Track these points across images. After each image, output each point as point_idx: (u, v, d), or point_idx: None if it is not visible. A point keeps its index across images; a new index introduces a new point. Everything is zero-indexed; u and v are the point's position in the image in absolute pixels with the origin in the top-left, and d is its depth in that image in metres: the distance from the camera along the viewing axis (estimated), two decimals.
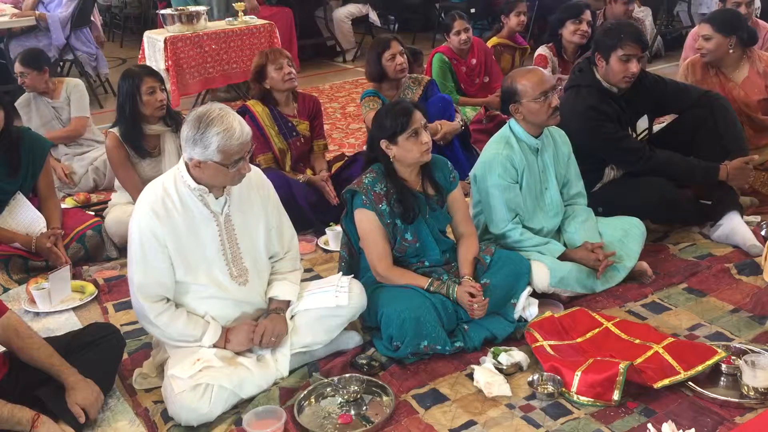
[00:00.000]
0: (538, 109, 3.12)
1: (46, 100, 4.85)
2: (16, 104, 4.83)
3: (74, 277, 3.55)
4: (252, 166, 2.75)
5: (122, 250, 3.62)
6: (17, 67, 4.74)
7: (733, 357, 2.63)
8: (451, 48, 5.27)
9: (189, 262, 2.62)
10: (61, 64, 7.24)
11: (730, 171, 3.53)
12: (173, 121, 3.88)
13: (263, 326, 2.69)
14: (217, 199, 2.64)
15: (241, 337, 2.68)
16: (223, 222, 2.66)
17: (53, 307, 3.33)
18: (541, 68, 3.22)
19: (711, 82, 4.04)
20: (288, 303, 2.80)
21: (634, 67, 3.47)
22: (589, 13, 4.85)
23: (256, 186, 2.76)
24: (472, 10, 7.90)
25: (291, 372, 2.73)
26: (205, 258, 2.65)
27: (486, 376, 2.64)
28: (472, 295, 2.84)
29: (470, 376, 2.70)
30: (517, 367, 2.72)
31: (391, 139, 2.88)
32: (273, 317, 2.74)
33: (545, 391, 2.57)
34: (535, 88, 3.10)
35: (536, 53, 5.02)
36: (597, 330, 2.87)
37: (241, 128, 2.50)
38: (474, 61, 5.35)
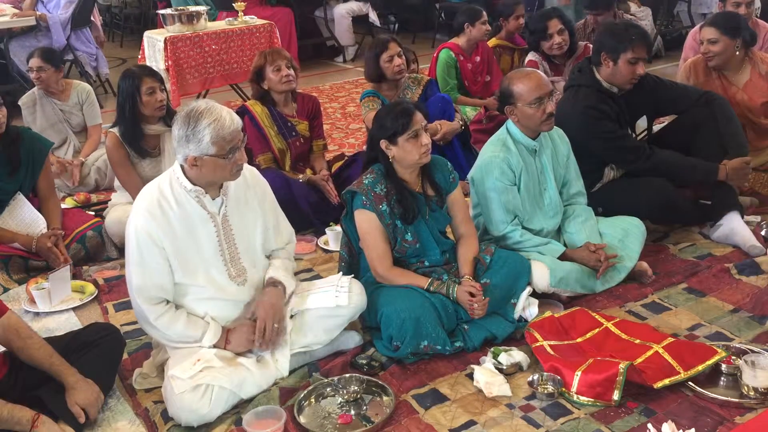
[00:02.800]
0: (532, 114, 3.11)
1: (53, 101, 4.86)
2: (20, 102, 4.87)
3: (74, 277, 3.55)
4: (248, 165, 2.75)
5: (122, 250, 3.58)
6: (35, 62, 4.73)
7: (733, 357, 2.63)
8: (459, 44, 5.26)
9: (187, 264, 2.62)
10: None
11: (729, 171, 3.53)
12: (173, 121, 3.88)
13: (262, 320, 2.66)
14: (213, 199, 2.64)
15: (241, 339, 2.68)
16: (220, 222, 2.66)
17: (53, 307, 3.33)
18: (540, 72, 3.21)
19: (713, 86, 4.03)
20: (283, 285, 2.77)
21: (641, 69, 3.47)
22: (556, 22, 4.78)
23: (253, 186, 2.76)
24: None
25: (291, 372, 2.73)
26: (202, 259, 2.65)
27: (486, 376, 2.64)
28: (472, 295, 2.84)
29: (470, 376, 2.70)
30: (517, 367, 2.72)
31: (391, 139, 2.88)
32: (268, 291, 2.72)
33: (545, 391, 2.57)
34: (530, 93, 3.09)
35: (527, 59, 5.04)
36: (597, 330, 2.87)
37: (231, 117, 2.51)
38: (478, 59, 5.35)
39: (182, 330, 2.61)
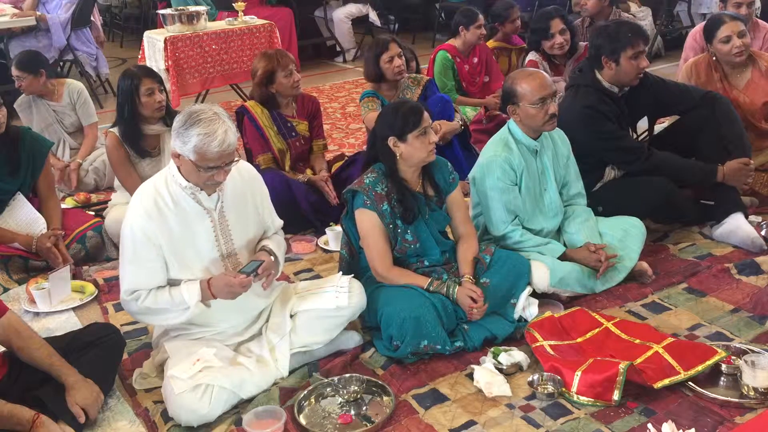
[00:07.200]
0: (535, 114, 3.12)
1: (46, 103, 4.81)
2: (15, 105, 4.80)
3: (74, 277, 3.55)
4: (241, 161, 2.74)
5: None
6: (13, 71, 4.69)
7: (733, 357, 2.63)
8: (456, 46, 5.27)
9: (183, 260, 2.63)
10: (61, 64, 7.23)
11: (727, 172, 3.53)
12: (173, 121, 3.87)
13: (267, 263, 2.66)
14: (209, 196, 2.64)
15: (221, 282, 2.60)
16: (217, 218, 2.67)
17: (53, 307, 3.33)
18: (543, 73, 3.21)
19: (714, 88, 4.01)
20: (276, 257, 2.78)
21: (644, 62, 3.48)
22: (558, 21, 4.82)
23: (249, 181, 2.77)
24: None
25: (291, 372, 2.73)
26: (198, 255, 2.65)
27: (486, 376, 2.64)
28: (473, 300, 2.84)
29: (470, 376, 2.70)
30: (517, 367, 2.72)
31: (400, 136, 2.88)
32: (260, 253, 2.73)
33: (545, 391, 2.57)
34: (534, 93, 3.09)
35: (527, 59, 5.04)
36: (597, 330, 2.87)
37: (225, 137, 2.47)
38: (476, 60, 5.35)
39: (169, 298, 2.59)
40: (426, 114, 2.89)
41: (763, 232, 3.58)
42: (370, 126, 4.15)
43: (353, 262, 3.11)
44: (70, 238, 3.71)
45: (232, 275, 2.61)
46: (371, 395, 2.63)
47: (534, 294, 3.06)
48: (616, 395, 2.49)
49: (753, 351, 2.64)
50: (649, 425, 2.36)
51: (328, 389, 2.65)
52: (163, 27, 6.51)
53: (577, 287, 3.14)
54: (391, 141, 2.90)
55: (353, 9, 8.55)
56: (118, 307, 3.34)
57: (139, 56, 6.60)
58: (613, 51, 3.47)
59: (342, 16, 8.48)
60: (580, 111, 3.50)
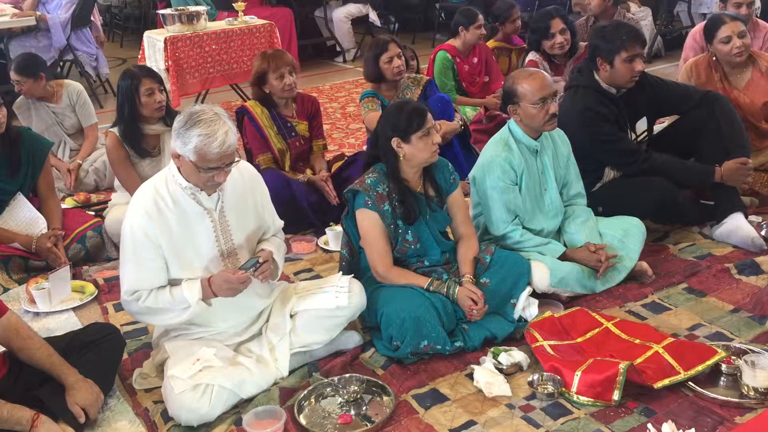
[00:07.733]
0: (535, 114, 3.12)
1: (45, 105, 4.79)
2: (14, 107, 4.75)
3: (74, 277, 3.55)
4: (241, 161, 2.75)
5: None
6: (12, 75, 4.64)
7: (733, 357, 2.63)
8: (456, 46, 5.28)
9: (183, 260, 2.63)
10: (61, 64, 7.23)
11: (724, 172, 3.53)
12: (173, 120, 3.87)
13: (267, 255, 2.66)
14: (209, 196, 2.64)
15: (220, 280, 2.60)
16: (217, 218, 2.67)
17: (53, 307, 3.33)
18: (544, 73, 3.21)
19: (714, 88, 4.01)
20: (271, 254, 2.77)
21: (639, 65, 3.48)
22: (558, 21, 4.82)
23: (249, 180, 2.77)
24: None
25: (291, 372, 2.74)
26: (198, 255, 2.65)
27: (486, 376, 2.65)
28: (473, 301, 2.84)
29: (470, 376, 2.70)
30: (517, 367, 2.72)
31: (404, 137, 2.88)
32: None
33: (545, 391, 2.57)
34: (534, 93, 3.09)
35: (527, 59, 5.05)
36: (597, 330, 2.87)
37: (225, 139, 2.47)
38: (476, 60, 5.36)
39: (169, 297, 2.59)
40: (430, 115, 2.90)
41: (763, 232, 3.58)
42: (370, 126, 4.16)
43: (353, 262, 3.11)
44: (70, 238, 3.72)
45: (231, 271, 2.61)
46: (371, 395, 2.63)
47: (534, 294, 3.06)
48: (616, 395, 2.49)
49: (753, 351, 2.64)
50: (649, 425, 2.36)
51: (328, 389, 2.65)
52: (163, 27, 6.51)
53: (577, 287, 3.14)
54: (395, 142, 2.90)
55: (353, 9, 8.56)
56: (118, 307, 3.34)
57: (139, 56, 6.60)
58: (608, 52, 3.47)
59: (342, 16, 8.49)
60: (579, 112, 3.51)
